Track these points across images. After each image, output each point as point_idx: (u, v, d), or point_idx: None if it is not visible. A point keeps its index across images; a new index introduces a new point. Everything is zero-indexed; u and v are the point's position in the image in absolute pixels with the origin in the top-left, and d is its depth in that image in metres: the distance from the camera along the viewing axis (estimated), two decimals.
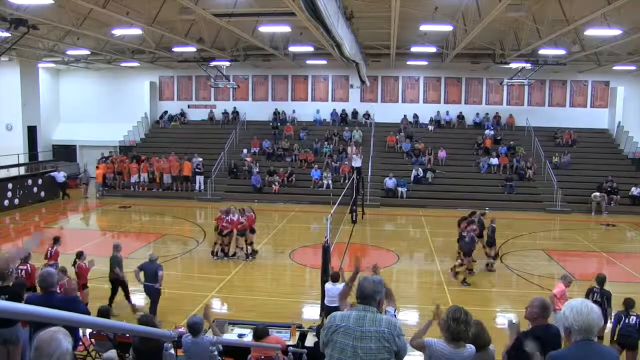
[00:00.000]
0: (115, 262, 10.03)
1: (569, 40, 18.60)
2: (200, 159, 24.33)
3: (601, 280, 8.59)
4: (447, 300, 10.67)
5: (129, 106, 28.84)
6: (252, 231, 13.98)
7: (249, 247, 13.85)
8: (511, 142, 25.63)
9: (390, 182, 22.96)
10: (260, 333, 6.51)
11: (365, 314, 3.32)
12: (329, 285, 8.93)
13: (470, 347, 3.76)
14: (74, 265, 9.64)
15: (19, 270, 8.36)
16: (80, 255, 9.79)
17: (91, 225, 20.02)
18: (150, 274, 9.61)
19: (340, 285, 8.76)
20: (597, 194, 21.51)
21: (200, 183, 24.06)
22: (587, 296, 8.45)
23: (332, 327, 3.36)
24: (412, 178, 23.57)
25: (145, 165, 24.57)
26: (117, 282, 10.05)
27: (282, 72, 28.43)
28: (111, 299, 9.97)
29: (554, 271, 13.17)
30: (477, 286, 12.46)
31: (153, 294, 9.64)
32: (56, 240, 10.63)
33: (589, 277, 13.03)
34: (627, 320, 7.59)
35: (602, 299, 8.25)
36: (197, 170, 24.11)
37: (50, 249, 10.39)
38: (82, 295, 9.33)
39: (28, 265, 8.66)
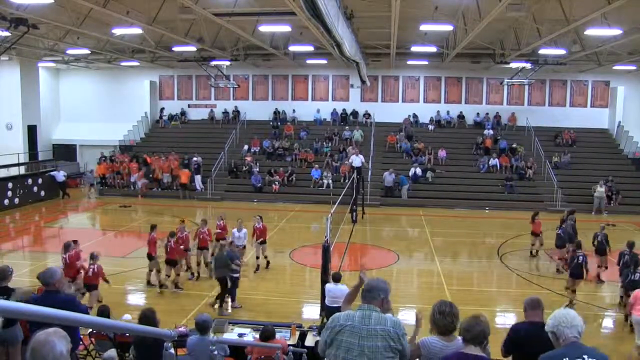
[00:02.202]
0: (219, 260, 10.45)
1: (569, 40, 18.59)
2: (196, 159, 24.07)
3: (631, 244, 10.70)
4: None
5: (129, 106, 28.83)
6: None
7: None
8: (513, 145, 25.65)
9: (389, 178, 22.82)
10: (268, 334, 6.50)
11: (370, 312, 3.34)
12: (330, 285, 8.90)
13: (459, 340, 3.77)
14: (168, 241, 11.17)
15: (91, 268, 9.53)
16: (173, 234, 11.39)
17: (91, 224, 20.01)
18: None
19: (342, 286, 8.75)
20: (602, 189, 21.44)
21: (199, 183, 23.98)
22: (619, 259, 10.94)
23: (336, 327, 3.36)
24: (410, 176, 23.50)
25: (141, 168, 24.54)
26: (224, 280, 10.34)
27: (282, 72, 28.42)
28: (222, 296, 10.25)
29: (554, 271, 13.17)
30: (477, 286, 12.47)
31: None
32: (153, 227, 11.68)
33: (588, 277, 13.07)
34: (632, 277, 9.53)
35: (631, 260, 10.05)
36: (194, 168, 23.94)
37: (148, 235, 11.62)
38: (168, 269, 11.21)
39: (95, 265, 9.57)
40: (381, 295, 3.45)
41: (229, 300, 10.44)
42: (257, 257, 13.06)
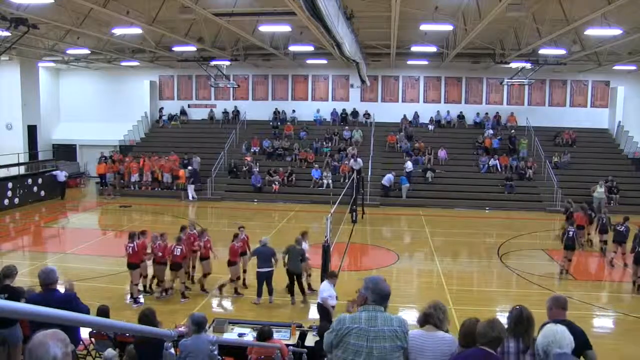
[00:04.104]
0: (294, 254, 10.64)
1: (569, 40, 18.61)
2: (191, 168, 23.76)
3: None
4: (447, 300, 10.65)
5: (129, 106, 28.82)
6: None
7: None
8: (512, 130, 25.69)
9: (392, 178, 22.70)
10: (265, 334, 6.50)
11: (376, 314, 3.35)
12: (326, 284, 8.89)
13: (447, 335, 3.72)
14: (233, 240, 11.10)
15: (175, 249, 10.41)
16: (237, 236, 11.27)
17: (91, 224, 19.96)
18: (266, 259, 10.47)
19: (330, 287, 8.80)
20: (602, 189, 21.37)
21: (192, 192, 23.18)
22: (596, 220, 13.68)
23: (342, 329, 3.35)
24: (404, 170, 23.29)
25: (147, 165, 24.51)
26: (292, 273, 10.56)
27: (282, 72, 28.42)
28: (290, 288, 10.62)
29: (554, 271, 13.17)
30: (477, 286, 12.47)
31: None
32: (242, 228, 11.76)
33: (589, 277, 13.11)
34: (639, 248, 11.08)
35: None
36: (189, 175, 23.39)
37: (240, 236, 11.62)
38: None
39: (183, 246, 10.54)
40: (388, 304, 3.52)
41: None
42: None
